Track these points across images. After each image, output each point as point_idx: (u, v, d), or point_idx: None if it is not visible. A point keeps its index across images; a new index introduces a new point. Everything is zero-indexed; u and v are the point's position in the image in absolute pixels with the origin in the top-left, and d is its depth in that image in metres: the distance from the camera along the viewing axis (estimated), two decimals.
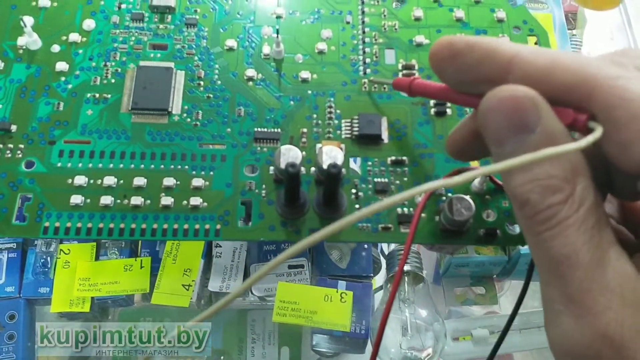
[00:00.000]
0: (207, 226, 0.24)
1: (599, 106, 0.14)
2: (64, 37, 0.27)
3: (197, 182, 0.24)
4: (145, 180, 0.24)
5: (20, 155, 0.25)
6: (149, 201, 0.24)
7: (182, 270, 0.44)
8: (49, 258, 0.45)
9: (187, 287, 0.43)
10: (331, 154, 0.23)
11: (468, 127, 0.18)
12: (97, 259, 0.45)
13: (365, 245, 0.45)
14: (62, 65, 0.26)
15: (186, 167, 0.25)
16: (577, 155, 0.14)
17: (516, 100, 0.14)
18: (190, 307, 0.42)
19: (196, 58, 0.27)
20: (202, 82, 0.27)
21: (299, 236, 0.24)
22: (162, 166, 0.25)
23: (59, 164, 0.24)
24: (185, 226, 0.24)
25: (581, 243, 0.13)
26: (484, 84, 0.15)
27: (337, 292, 0.42)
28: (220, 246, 0.45)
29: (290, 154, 0.23)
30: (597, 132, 0.14)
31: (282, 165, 0.23)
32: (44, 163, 0.25)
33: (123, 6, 0.28)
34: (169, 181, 0.24)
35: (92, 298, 0.42)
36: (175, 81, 0.26)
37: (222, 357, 0.47)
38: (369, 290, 0.45)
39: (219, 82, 0.27)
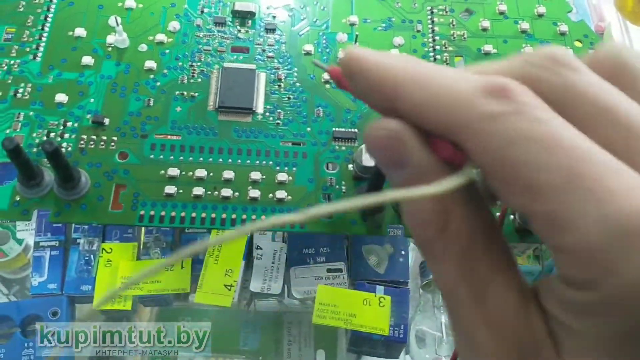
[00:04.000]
0: None
1: (472, 153, 0.12)
2: (151, 37, 0.29)
3: (282, 176, 0.26)
4: (234, 173, 0.26)
5: (114, 147, 0.26)
6: (237, 193, 0.25)
7: (224, 271, 0.45)
8: (91, 256, 0.46)
9: (229, 287, 0.44)
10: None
11: None
12: (138, 258, 0.45)
13: (403, 252, 0.46)
14: (150, 64, 0.28)
15: (270, 162, 0.26)
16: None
17: (383, 138, 0.13)
18: (231, 308, 0.43)
19: (276, 61, 0.29)
20: (282, 84, 0.28)
21: (379, 230, 0.25)
22: (248, 161, 0.26)
23: (152, 156, 0.26)
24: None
25: (459, 279, 0.13)
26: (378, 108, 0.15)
27: (375, 296, 0.43)
28: (261, 248, 0.46)
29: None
30: (462, 177, 0.13)
31: (365, 163, 0.25)
32: (137, 155, 0.26)
33: (205, 10, 0.30)
34: (255, 175, 0.26)
35: (133, 296, 0.42)
36: (257, 82, 0.28)
37: (259, 358, 0.48)
38: (406, 295, 0.46)
39: (298, 84, 0.28)
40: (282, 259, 0.45)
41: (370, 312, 0.44)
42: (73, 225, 0.45)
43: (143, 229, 0.42)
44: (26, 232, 0.49)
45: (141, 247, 0.45)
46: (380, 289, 0.44)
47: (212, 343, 0.48)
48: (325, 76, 0.28)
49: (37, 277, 0.45)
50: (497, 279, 0.13)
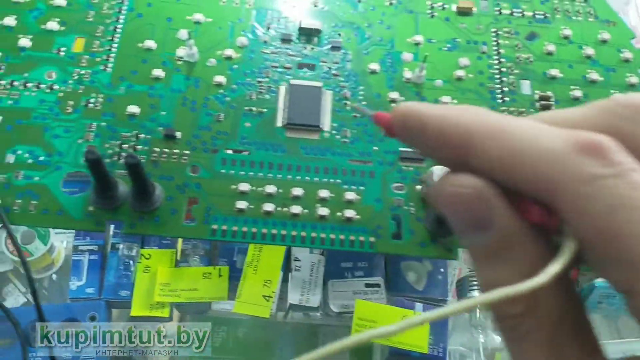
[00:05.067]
0: (361, 238, 0.25)
1: (568, 217, 0.11)
2: (219, 52, 0.29)
3: (350, 195, 0.26)
4: (303, 191, 0.26)
5: (185, 161, 0.26)
6: (306, 210, 0.25)
7: (263, 281, 0.45)
8: (130, 262, 0.46)
9: (267, 298, 0.44)
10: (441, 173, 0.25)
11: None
12: (176, 265, 0.45)
13: (442, 269, 0.46)
14: (220, 79, 0.28)
15: (338, 180, 0.26)
16: (539, 250, 0.12)
17: (463, 197, 0.12)
18: (269, 319, 0.43)
19: (342, 79, 0.29)
20: (348, 102, 0.28)
21: (449, 254, 0.25)
22: (316, 179, 0.26)
23: (223, 171, 0.26)
24: (341, 237, 0.25)
25: None
26: (446, 162, 0.13)
27: (414, 313, 0.43)
28: (300, 260, 0.46)
29: (442, 174, 0.25)
30: (563, 258, 0.11)
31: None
32: (208, 169, 0.26)
33: (272, 26, 0.30)
34: (323, 193, 0.26)
35: (171, 303, 0.42)
36: (324, 100, 0.28)
37: None
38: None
39: (364, 102, 0.28)
40: (321, 272, 0.45)
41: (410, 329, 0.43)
42: (112, 230, 0.45)
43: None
44: (62, 234, 0.49)
45: (179, 254, 0.45)
46: (419, 306, 0.44)
47: (247, 353, 0.48)
48: (392, 95, 0.29)
49: (76, 280, 0.45)
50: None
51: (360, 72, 0.29)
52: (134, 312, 0.44)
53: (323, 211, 0.25)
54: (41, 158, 0.26)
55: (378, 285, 0.46)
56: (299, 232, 0.25)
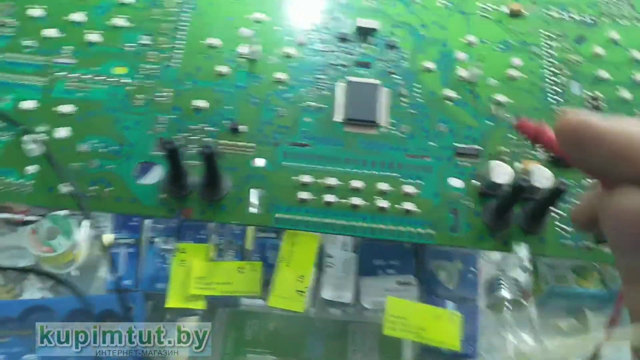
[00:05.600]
0: (420, 230, 0.26)
1: None
2: (279, 50, 0.30)
3: (408, 189, 0.27)
4: (362, 183, 0.27)
5: (249, 153, 0.27)
6: (366, 202, 0.26)
7: (297, 276, 0.46)
8: (166, 255, 0.47)
9: (301, 293, 0.45)
10: (502, 170, 0.25)
11: (592, 205, 0.15)
12: (212, 259, 0.46)
13: (472, 268, 0.47)
14: (280, 76, 0.29)
15: (396, 174, 0.27)
16: None
17: (635, 219, 0.12)
18: (300, 314, 0.44)
19: (397, 76, 0.30)
20: (404, 99, 0.29)
21: (506, 247, 0.26)
22: (375, 172, 0.27)
23: (285, 164, 0.27)
24: (401, 228, 0.26)
25: None
26: (615, 178, 0.13)
27: (446, 311, 0.44)
28: (332, 256, 0.47)
29: (500, 169, 0.26)
30: None
31: (496, 179, 0.25)
32: (272, 162, 0.27)
33: (331, 25, 0.31)
34: (382, 186, 0.27)
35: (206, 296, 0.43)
36: (381, 97, 0.29)
37: None
38: (476, 312, 0.46)
39: (420, 100, 0.29)
40: (353, 269, 0.45)
41: (441, 326, 0.44)
42: (149, 223, 0.46)
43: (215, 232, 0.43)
44: (92, 228, 0.49)
45: (214, 249, 0.46)
46: (450, 304, 0.44)
47: (278, 347, 0.49)
48: (447, 93, 0.29)
49: (113, 272, 0.46)
50: None
51: (415, 70, 0.30)
52: (170, 304, 0.44)
53: (383, 203, 0.26)
54: (113, 148, 0.27)
55: (410, 283, 0.46)
56: (359, 222, 0.26)
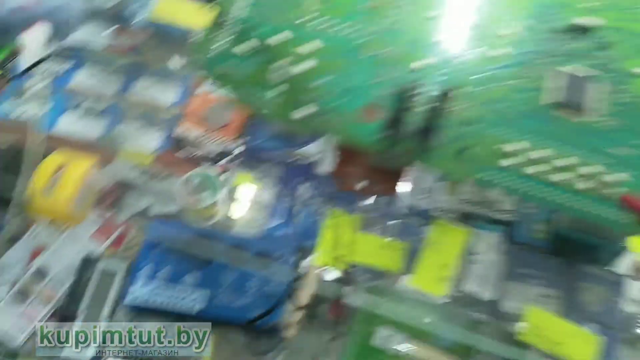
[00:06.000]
0: (620, 218, 0.27)
1: None
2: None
3: (610, 177, 0.28)
4: (566, 162, 0.28)
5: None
6: (568, 181, 0.28)
7: (441, 263, 0.46)
8: (319, 217, 0.50)
9: (443, 279, 0.46)
10: None
11: None
12: (359, 230, 0.48)
13: (620, 299, 0.45)
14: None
15: (601, 162, 0.29)
16: None
17: None
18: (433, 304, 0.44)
19: (605, 75, 0.31)
20: (612, 95, 0.30)
21: None
22: (580, 157, 0.29)
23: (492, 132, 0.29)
24: (599, 211, 0.27)
25: None
26: None
27: (586, 332, 0.42)
28: (479, 253, 0.47)
29: None
30: None
31: None
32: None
33: (549, 17, 0.33)
34: (585, 169, 0.28)
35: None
36: (589, 88, 0.30)
37: None
38: (617, 341, 0.44)
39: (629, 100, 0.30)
40: (499, 270, 0.45)
41: (578, 346, 0.43)
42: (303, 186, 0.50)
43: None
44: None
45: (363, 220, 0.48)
46: (591, 326, 0.43)
47: (411, 331, 0.50)
48: None
49: (274, 220, 0.50)
50: None
51: (626, 74, 0.31)
52: (317, 261, 0.47)
53: (583, 185, 0.28)
54: (341, 88, 0.30)
55: (553, 297, 0.46)
56: (556, 197, 0.27)
